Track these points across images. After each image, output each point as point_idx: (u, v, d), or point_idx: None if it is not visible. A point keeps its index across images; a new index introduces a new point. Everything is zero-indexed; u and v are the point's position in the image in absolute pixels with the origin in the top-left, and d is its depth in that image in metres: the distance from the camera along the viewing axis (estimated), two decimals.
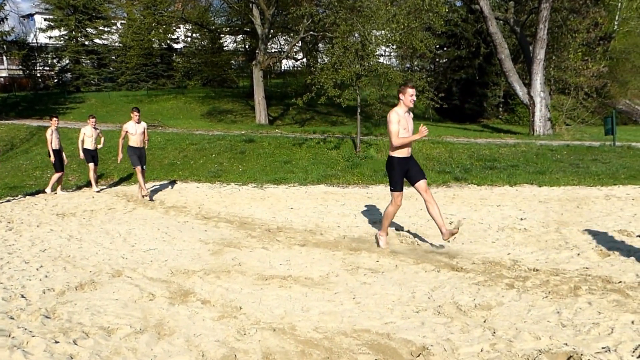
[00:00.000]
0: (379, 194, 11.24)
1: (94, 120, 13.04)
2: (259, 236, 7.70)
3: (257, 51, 25.48)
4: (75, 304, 4.81)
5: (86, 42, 41.98)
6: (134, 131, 11.37)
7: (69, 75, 43.78)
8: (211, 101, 32.82)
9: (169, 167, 15.03)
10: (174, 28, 35.63)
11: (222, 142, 17.43)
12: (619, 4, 32.65)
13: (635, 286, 4.90)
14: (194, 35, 41.57)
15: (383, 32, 15.57)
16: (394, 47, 20.28)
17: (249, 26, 29.59)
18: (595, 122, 27.32)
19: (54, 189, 12.54)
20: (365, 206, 9.85)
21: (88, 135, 12.83)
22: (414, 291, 5.01)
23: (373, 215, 9.02)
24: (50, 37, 42.68)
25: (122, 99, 33.22)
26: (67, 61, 43.17)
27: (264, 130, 21.55)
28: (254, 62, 25.21)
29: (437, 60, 38.76)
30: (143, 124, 11.61)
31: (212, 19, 35.71)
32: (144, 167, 11.59)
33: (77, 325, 4.26)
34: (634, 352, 3.47)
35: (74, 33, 41.13)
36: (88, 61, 42.59)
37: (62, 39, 41.95)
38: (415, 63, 38.83)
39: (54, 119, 12.82)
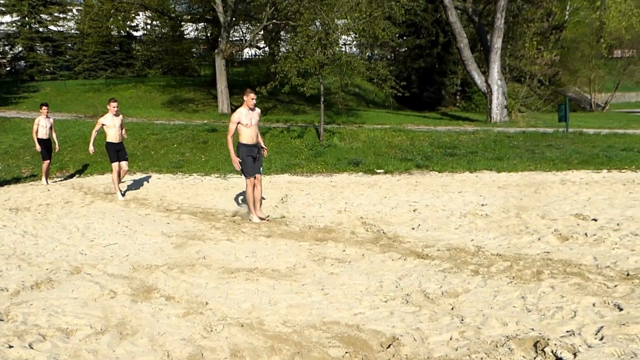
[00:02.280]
0: (343, 183, 11.25)
1: (115, 104, 10.37)
2: (224, 228, 7.59)
3: (219, 39, 25.24)
4: (30, 305, 4.57)
5: (40, 29, 40.45)
6: (249, 121, 8.08)
7: (22, 63, 42.16)
8: (172, 90, 32.46)
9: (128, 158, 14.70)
10: (134, 15, 34.87)
11: (183, 131, 17.24)
12: None
13: (594, 269, 5.04)
14: (154, 22, 40.83)
15: (346, 20, 15.58)
16: (356, 35, 20.35)
17: (211, 14, 29.25)
18: (548, 109, 28.12)
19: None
20: (330, 195, 9.83)
21: (110, 126, 10.31)
22: (382, 280, 5.02)
23: (338, 204, 9.00)
24: (1, 24, 41.01)
25: (79, 88, 32.38)
26: (20, 48, 41.45)
27: (226, 119, 21.24)
28: (216, 51, 24.97)
29: (397, 49, 39.03)
30: (257, 110, 8.30)
31: (173, 6, 35.12)
32: None
33: (33, 328, 4.04)
34: (596, 334, 3.55)
35: (27, 19, 39.62)
36: (42, 49, 41.03)
37: (14, 25, 40.33)
38: (376, 52, 39.02)
39: (44, 107, 12.01)
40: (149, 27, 41.95)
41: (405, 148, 14.75)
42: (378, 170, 12.43)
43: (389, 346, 3.58)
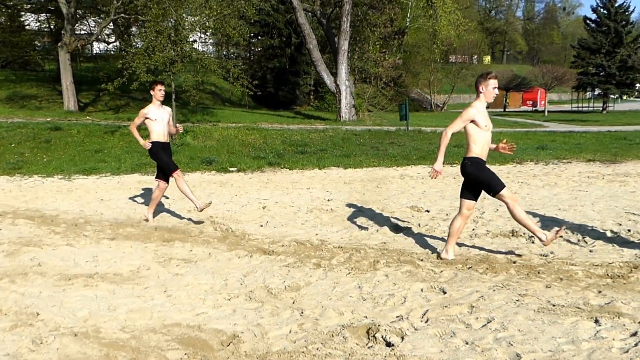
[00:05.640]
0: (195, 182, 11.09)
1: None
2: (64, 232, 7.13)
3: (62, 32, 23.54)
4: None
5: None
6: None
7: None
8: (11, 85, 29.97)
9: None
10: None
11: (23, 130, 16.20)
12: (410, 2, 36.10)
13: (424, 257, 5.54)
14: None
15: (197, 17, 15.45)
16: (209, 33, 20.25)
17: (53, 4, 27.31)
18: (393, 109, 30.14)
19: None
20: (180, 195, 9.60)
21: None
22: (227, 278, 5.06)
23: (188, 203, 8.85)
24: None
25: None
26: None
27: (73, 117, 20.48)
28: (59, 44, 23.36)
29: (252, 48, 39.25)
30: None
31: None
32: None
33: None
34: (422, 317, 3.91)
35: None
36: None
37: None
38: (232, 51, 38.89)
39: (158, 86, 7.76)
40: None
41: (259, 146, 14.94)
42: (231, 169, 12.45)
43: (229, 344, 3.62)
